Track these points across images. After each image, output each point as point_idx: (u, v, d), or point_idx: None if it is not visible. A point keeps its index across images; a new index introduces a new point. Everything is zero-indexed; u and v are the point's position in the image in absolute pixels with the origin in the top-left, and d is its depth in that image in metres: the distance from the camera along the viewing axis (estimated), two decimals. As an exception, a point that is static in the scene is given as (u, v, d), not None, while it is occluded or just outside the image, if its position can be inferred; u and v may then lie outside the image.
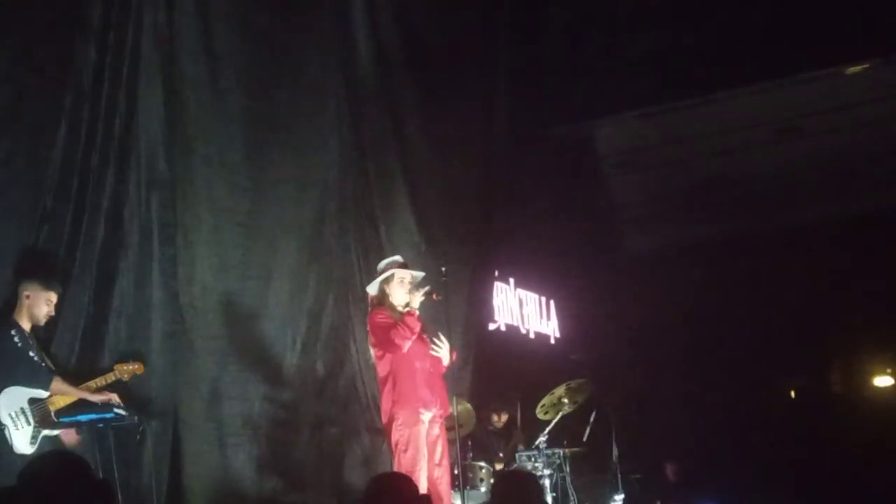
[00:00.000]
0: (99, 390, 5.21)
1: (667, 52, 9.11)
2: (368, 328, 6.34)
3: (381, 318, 6.16)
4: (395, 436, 6.05)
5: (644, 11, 9.11)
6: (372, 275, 6.53)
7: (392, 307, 6.19)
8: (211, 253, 6.38)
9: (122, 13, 5.87)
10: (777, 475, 9.58)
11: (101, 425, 5.29)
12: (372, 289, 6.36)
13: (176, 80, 6.23)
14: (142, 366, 5.48)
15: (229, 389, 6.33)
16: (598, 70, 9.38)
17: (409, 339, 6.03)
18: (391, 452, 6.23)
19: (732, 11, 8.88)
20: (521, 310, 9.91)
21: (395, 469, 5.93)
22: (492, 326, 9.17)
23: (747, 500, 9.32)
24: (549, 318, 10.42)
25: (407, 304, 6.15)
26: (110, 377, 5.28)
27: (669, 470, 9.80)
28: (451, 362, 6.36)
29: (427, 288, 6.22)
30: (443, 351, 6.19)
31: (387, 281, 6.27)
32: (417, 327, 6.07)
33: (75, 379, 5.21)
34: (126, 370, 5.37)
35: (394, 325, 6.04)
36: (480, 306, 8.97)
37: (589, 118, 10.51)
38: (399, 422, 6.05)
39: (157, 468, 5.65)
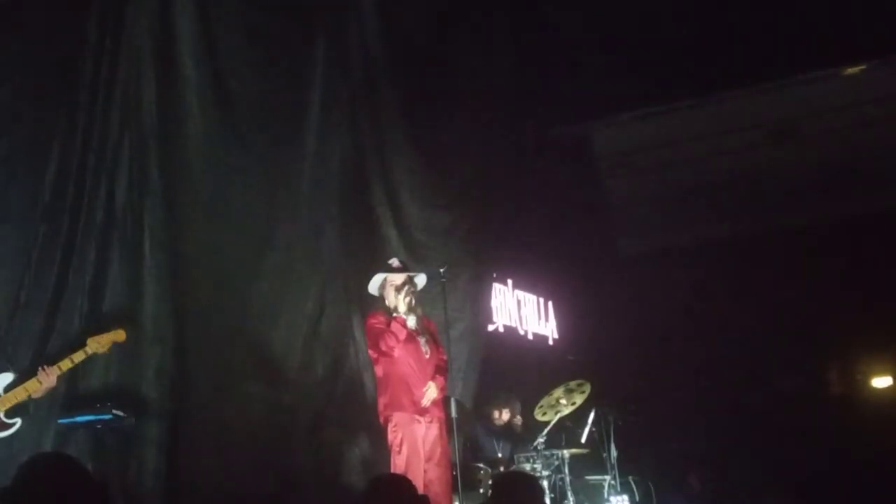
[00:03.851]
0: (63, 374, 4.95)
1: (665, 53, 9.11)
2: (365, 330, 6.39)
3: (374, 321, 6.24)
4: (389, 437, 6.10)
5: (643, 12, 9.11)
6: (369, 274, 6.58)
7: (388, 310, 6.24)
8: (210, 257, 6.38)
9: (117, 19, 5.87)
10: (775, 475, 9.58)
11: (98, 427, 5.28)
12: (372, 291, 6.41)
13: (174, 84, 6.24)
14: (122, 331, 5.22)
15: (229, 391, 6.32)
16: (596, 71, 9.37)
17: (394, 346, 6.11)
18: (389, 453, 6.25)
19: (731, 12, 8.89)
20: (520, 311, 9.90)
21: (391, 470, 5.94)
22: (490, 328, 9.16)
23: (746, 499, 9.32)
24: (547, 319, 10.42)
25: (395, 309, 6.19)
26: (80, 356, 5.02)
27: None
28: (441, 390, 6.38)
29: (406, 288, 6.25)
30: (429, 393, 6.20)
31: (381, 285, 6.34)
32: (403, 335, 6.13)
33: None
34: (103, 341, 5.11)
35: (382, 332, 6.11)
36: (479, 307, 8.96)
37: (587, 119, 10.51)
38: (393, 423, 6.10)
39: (156, 470, 5.64)
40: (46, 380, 4.89)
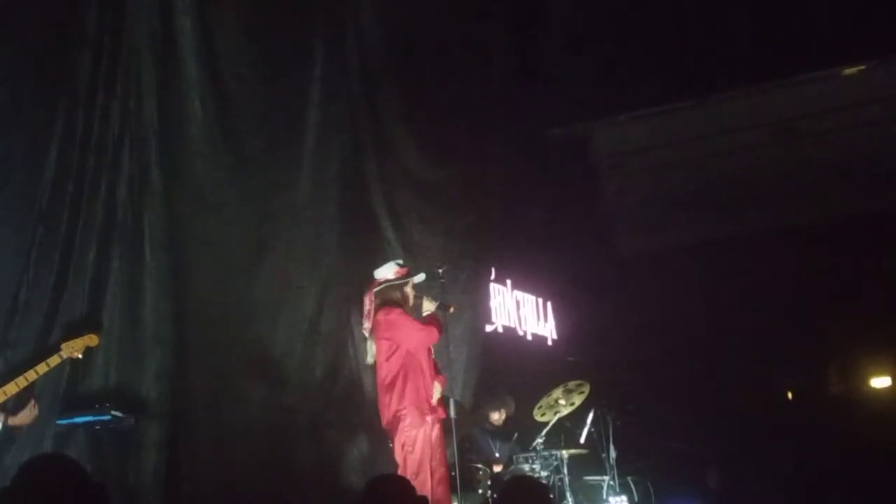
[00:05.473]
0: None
1: (664, 54, 9.11)
2: (383, 326, 6.30)
3: (402, 315, 6.28)
4: (402, 437, 6.07)
5: (641, 13, 9.10)
6: (369, 274, 6.59)
7: (410, 309, 6.27)
8: (210, 257, 6.37)
9: (116, 19, 5.87)
10: (774, 475, 9.58)
11: (97, 427, 5.28)
12: (393, 290, 6.41)
13: (176, 83, 6.23)
14: (95, 336, 5.23)
15: (228, 392, 6.32)
16: (595, 71, 9.37)
17: (438, 337, 6.34)
18: (391, 454, 6.25)
19: (730, 13, 8.88)
20: (519, 311, 9.90)
21: (402, 470, 5.94)
22: (489, 328, 9.16)
23: (744, 499, 9.33)
24: (546, 319, 10.41)
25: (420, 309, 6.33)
26: (55, 360, 5.03)
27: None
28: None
29: (439, 304, 6.45)
30: (436, 392, 6.31)
31: (402, 285, 6.41)
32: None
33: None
34: (77, 346, 5.12)
35: (433, 317, 6.34)
36: (479, 307, 8.96)
37: (586, 120, 10.51)
38: (407, 422, 6.07)
39: (155, 470, 5.64)
40: (23, 382, 4.91)
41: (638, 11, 9.11)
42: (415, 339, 6.25)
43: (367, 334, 6.45)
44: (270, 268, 6.82)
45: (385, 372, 6.24)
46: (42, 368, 4.98)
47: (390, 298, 6.35)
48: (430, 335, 6.32)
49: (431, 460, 6.12)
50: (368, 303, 6.42)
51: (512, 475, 7.06)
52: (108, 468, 5.41)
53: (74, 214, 5.55)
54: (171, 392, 5.86)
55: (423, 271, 6.72)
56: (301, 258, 7.09)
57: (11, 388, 4.88)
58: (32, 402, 4.99)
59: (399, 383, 6.16)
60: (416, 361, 6.19)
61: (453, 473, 6.56)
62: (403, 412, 6.09)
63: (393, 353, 6.21)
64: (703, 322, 11.14)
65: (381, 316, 6.28)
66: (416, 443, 6.04)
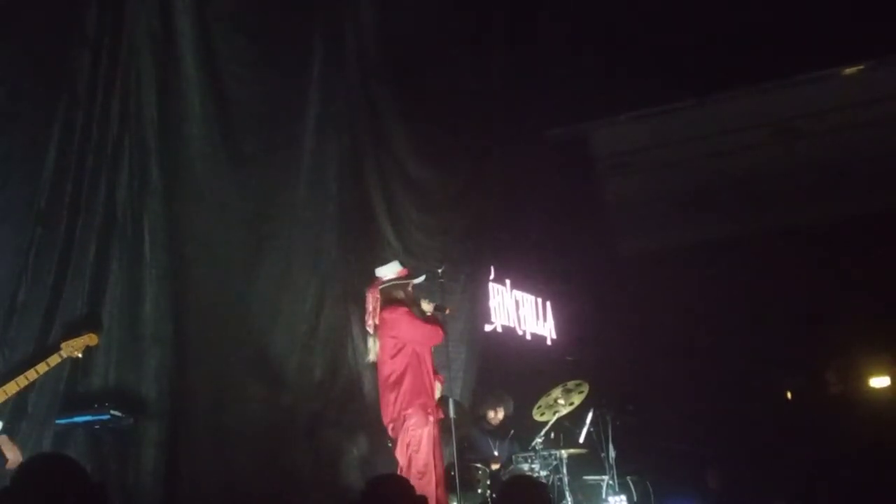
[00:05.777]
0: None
1: (663, 54, 9.11)
2: (388, 324, 6.31)
3: (408, 314, 6.30)
4: (407, 437, 6.07)
5: (640, 13, 9.11)
6: (368, 274, 6.60)
7: (415, 308, 6.33)
8: (210, 257, 6.38)
9: (116, 19, 5.88)
10: (774, 475, 9.59)
11: (97, 427, 5.28)
12: (396, 289, 6.43)
13: (176, 83, 6.24)
14: (95, 335, 5.25)
15: (228, 392, 6.32)
16: (594, 72, 9.38)
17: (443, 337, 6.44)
18: (391, 453, 6.25)
19: (728, 13, 8.89)
20: (518, 311, 9.90)
21: (405, 470, 5.95)
22: (488, 328, 9.16)
23: (744, 499, 9.33)
24: (545, 319, 10.41)
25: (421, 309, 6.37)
26: (55, 359, 5.04)
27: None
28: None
29: (436, 305, 6.49)
30: (437, 392, 6.40)
31: (405, 286, 6.45)
32: None
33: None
34: (76, 345, 5.13)
35: (434, 318, 6.38)
36: (478, 307, 8.97)
37: (585, 120, 10.51)
38: (412, 422, 6.08)
39: (155, 470, 5.64)
40: (23, 382, 4.92)
41: (638, 11, 9.10)
42: (420, 337, 6.26)
43: (371, 331, 6.44)
44: (270, 268, 6.83)
45: (389, 370, 6.24)
46: (42, 368, 4.99)
47: (394, 297, 6.37)
48: (436, 334, 6.35)
49: (434, 459, 6.14)
50: (372, 300, 6.42)
51: (511, 475, 7.06)
52: (108, 468, 5.41)
53: (74, 214, 5.55)
54: (171, 392, 5.86)
55: (423, 272, 6.73)
56: (301, 258, 7.10)
57: (12, 388, 4.88)
58: (19, 450, 4.91)
59: (404, 382, 6.17)
60: (420, 360, 6.21)
61: (452, 473, 6.57)
62: (409, 412, 6.10)
63: (398, 352, 6.22)
64: (703, 322, 11.14)
65: (386, 314, 6.30)
66: (421, 442, 6.05)
